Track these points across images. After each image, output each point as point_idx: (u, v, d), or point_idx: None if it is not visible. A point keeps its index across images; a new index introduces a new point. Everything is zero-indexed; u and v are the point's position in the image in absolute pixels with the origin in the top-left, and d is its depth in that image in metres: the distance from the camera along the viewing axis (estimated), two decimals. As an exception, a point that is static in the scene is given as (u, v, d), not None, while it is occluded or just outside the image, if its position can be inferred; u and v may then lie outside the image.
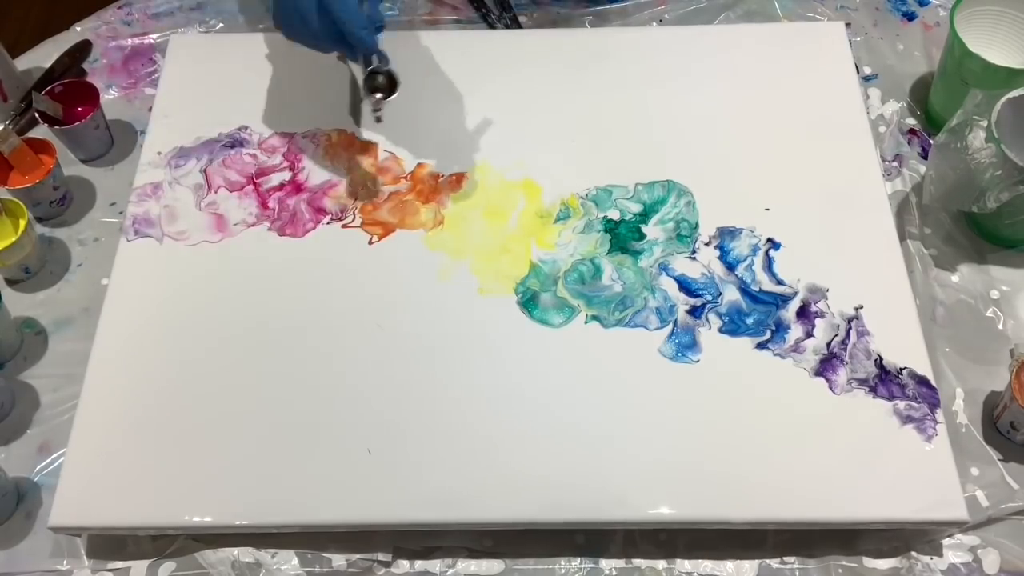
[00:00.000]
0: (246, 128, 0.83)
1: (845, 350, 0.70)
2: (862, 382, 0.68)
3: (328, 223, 0.77)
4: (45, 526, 0.66)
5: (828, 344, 0.71)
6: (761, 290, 0.73)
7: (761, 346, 0.70)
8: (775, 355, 0.70)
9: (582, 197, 0.78)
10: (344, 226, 0.77)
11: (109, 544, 0.69)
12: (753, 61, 0.85)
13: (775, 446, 0.67)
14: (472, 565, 0.68)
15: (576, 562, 0.68)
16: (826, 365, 0.69)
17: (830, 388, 0.68)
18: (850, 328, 0.71)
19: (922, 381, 0.69)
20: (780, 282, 0.74)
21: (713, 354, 0.70)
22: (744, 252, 0.75)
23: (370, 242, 0.76)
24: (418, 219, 0.78)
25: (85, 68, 0.93)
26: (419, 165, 0.80)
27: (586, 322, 0.72)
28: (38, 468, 0.71)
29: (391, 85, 0.73)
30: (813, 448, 0.66)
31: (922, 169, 0.84)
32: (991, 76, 0.77)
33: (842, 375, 0.69)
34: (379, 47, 0.71)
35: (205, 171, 0.80)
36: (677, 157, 0.80)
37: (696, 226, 0.76)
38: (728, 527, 0.66)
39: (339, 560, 0.68)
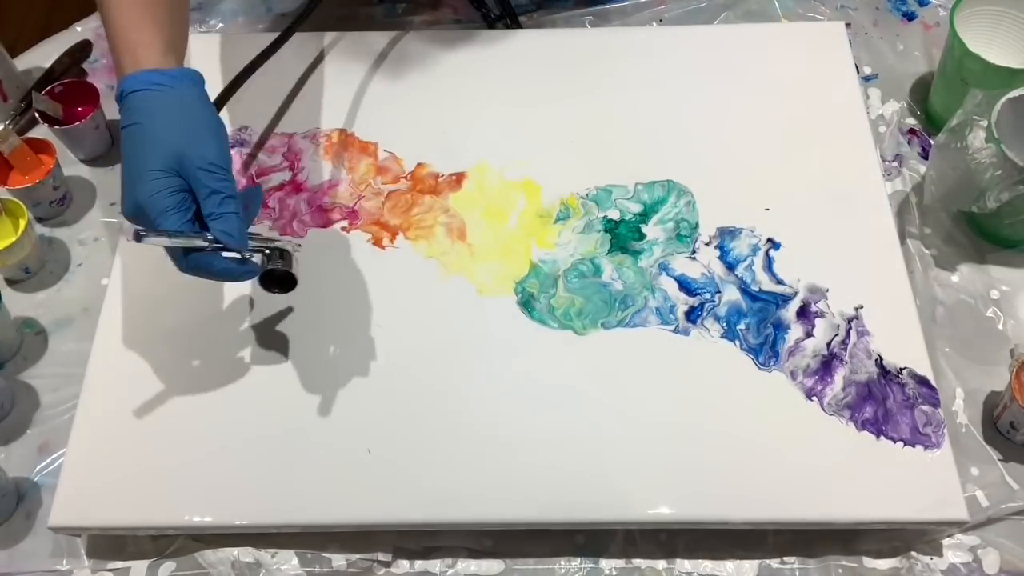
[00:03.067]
0: (246, 128, 0.83)
1: (845, 350, 0.70)
2: (849, 407, 0.68)
3: (327, 224, 0.77)
4: (45, 526, 0.66)
5: (828, 344, 0.71)
6: (761, 290, 0.73)
7: (763, 365, 0.70)
8: (774, 371, 0.70)
9: (582, 197, 0.78)
10: (344, 229, 0.77)
11: (109, 544, 0.69)
12: (753, 61, 0.85)
13: (775, 446, 0.67)
14: (472, 565, 0.68)
15: (576, 562, 0.68)
16: (820, 380, 0.69)
17: (821, 408, 0.68)
18: (850, 328, 0.71)
19: (922, 381, 0.69)
20: (780, 282, 0.74)
21: (713, 354, 0.70)
22: (744, 252, 0.75)
23: (382, 245, 0.76)
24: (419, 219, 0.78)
25: (85, 68, 0.93)
26: (419, 165, 0.80)
27: (585, 323, 0.72)
28: (38, 468, 0.71)
29: (287, 281, 0.65)
30: (813, 448, 0.66)
31: (922, 169, 0.84)
32: (991, 76, 0.77)
33: (830, 393, 0.69)
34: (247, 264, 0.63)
35: (205, 171, 0.80)
36: (677, 157, 0.80)
37: (696, 226, 0.76)
38: (728, 527, 0.66)
39: (339, 560, 0.68)
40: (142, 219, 0.61)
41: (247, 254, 0.62)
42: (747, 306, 0.72)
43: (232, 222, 0.61)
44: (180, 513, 0.65)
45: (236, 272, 0.62)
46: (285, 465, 0.67)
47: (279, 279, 0.65)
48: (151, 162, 0.60)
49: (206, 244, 0.60)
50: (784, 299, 0.73)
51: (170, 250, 0.61)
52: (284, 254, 0.64)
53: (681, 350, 0.71)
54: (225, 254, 0.61)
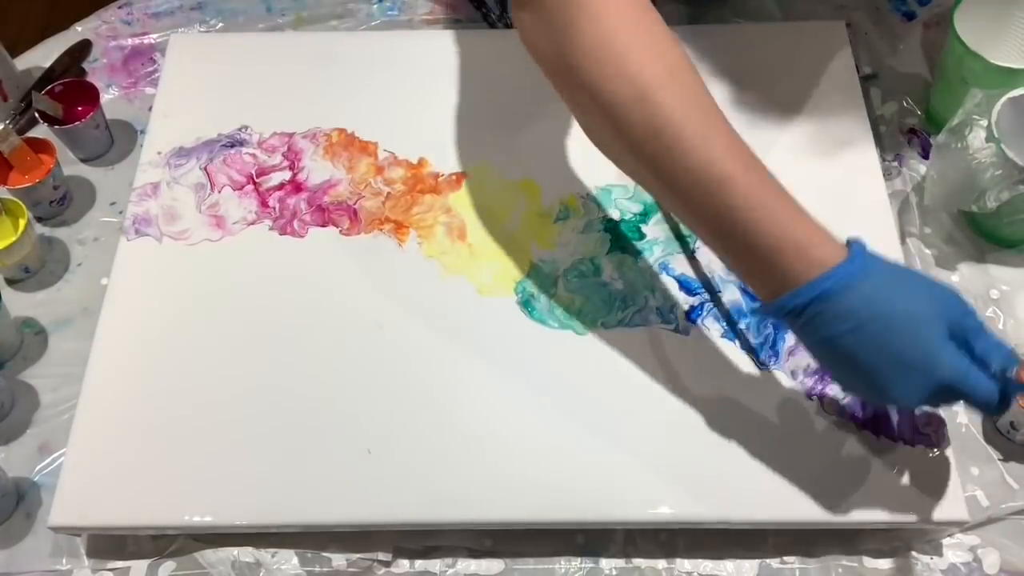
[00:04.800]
0: (246, 128, 0.83)
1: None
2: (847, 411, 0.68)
3: (327, 224, 0.77)
4: (45, 526, 0.66)
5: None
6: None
7: (764, 365, 0.70)
8: (774, 371, 0.70)
9: (582, 197, 0.78)
10: (344, 229, 0.77)
11: (109, 544, 0.69)
12: (753, 61, 0.85)
13: (775, 446, 0.67)
14: (472, 565, 0.68)
15: (576, 562, 0.68)
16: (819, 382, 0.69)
17: (821, 407, 0.68)
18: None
19: (922, 381, 0.69)
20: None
21: (714, 354, 0.70)
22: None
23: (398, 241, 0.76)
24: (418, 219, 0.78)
25: (85, 68, 0.93)
26: (419, 165, 0.80)
27: (585, 322, 0.72)
28: (38, 468, 0.71)
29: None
30: (813, 448, 0.66)
31: (922, 169, 0.84)
32: (991, 76, 0.77)
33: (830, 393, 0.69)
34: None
35: (207, 170, 0.80)
36: (677, 157, 0.80)
37: (696, 226, 0.76)
38: (728, 527, 0.66)
39: (339, 560, 0.68)
40: (940, 398, 0.56)
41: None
42: (747, 305, 0.72)
43: (1003, 344, 0.57)
44: (180, 513, 0.65)
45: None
46: (285, 465, 0.67)
47: None
48: (935, 340, 0.55)
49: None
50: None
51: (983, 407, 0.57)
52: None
53: (681, 350, 0.71)
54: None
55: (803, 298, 0.55)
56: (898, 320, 0.55)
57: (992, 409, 0.56)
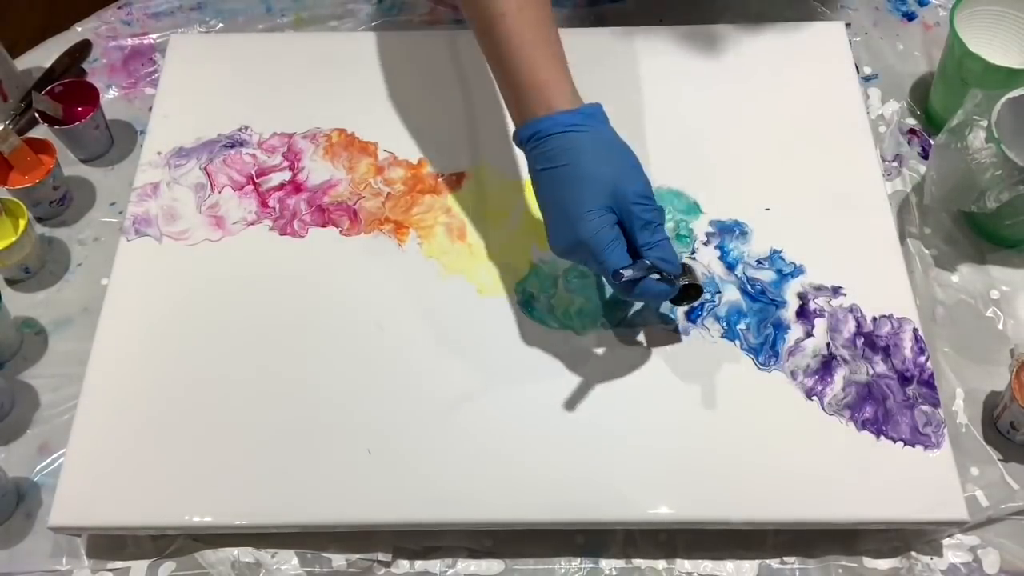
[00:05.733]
0: (246, 128, 0.83)
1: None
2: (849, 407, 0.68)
3: (327, 224, 0.77)
4: (45, 526, 0.66)
5: (828, 344, 0.71)
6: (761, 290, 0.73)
7: (764, 365, 0.70)
8: (774, 371, 0.70)
9: (582, 197, 0.78)
10: (344, 229, 0.77)
11: (109, 544, 0.69)
12: (753, 61, 0.85)
13: (775, 446, 0.67)
14: (472, 565, 0.68)
15: (576, 562, 0.68)
16: (820, 380, 0.69)
17: (821, 407, 0.68)
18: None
19: (922, 381, 0.69)
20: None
21: (714, 354, 0.70)
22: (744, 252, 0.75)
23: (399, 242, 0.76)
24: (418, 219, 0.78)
25: (85, 68, 0.93)
26: (419, 165, 0.80)
27: (585, 322, 0.72)
28: (38, 468, 0.71)
29: (695, 292, 0.66)
30: (813, 448, 0.66)
31: (922, 169, 0.84)
32: (991, 76, 0.77)
33: (830, 393, 0.69)
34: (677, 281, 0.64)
35: (207, 170, 0.80)
36: (677, 157, 0.80)
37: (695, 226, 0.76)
38: (728, 527, 0.66)
39: (339, 560, 0.68)
40: (581, 254, 0.62)
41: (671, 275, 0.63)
42: (747, 306, 0.72)
43: (667, 249, 0.62)
44: (180, 513, 0.65)
45: (668, 293, 0.63)
46: (285, 465, 0.67)
47: (689, 292, 0.66)
48: (589, 201, 0.61)
49: (650, 273, 0.61)
50: (784, 299, 0.73)
51: (613, 277, 0.61)
52: (687, 268, 0.66)
53: (681, 350, 0.71)
54: (654, 276, 0.62)
55: (527, 132, 0.63)
56: (571, 172, 0.62)
57: (614, 284, 0.61)
